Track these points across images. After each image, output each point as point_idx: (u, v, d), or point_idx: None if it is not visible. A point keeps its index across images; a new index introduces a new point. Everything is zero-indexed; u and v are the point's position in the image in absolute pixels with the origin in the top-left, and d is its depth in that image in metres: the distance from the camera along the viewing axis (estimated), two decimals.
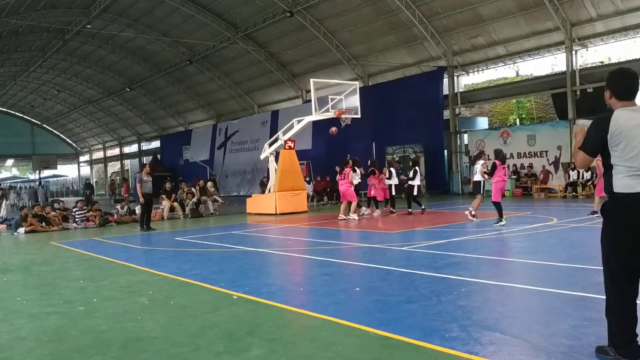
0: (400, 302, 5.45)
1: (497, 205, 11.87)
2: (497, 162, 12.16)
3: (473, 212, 12.90)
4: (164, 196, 19.56)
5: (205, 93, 42.53)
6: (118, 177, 55.96)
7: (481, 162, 13.13)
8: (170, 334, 4.76)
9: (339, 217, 15.44)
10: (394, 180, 16.24)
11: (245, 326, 4.88)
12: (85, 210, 17.50)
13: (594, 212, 12.41)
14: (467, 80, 29.01)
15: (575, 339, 4.08)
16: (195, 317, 5.27)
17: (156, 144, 51.70)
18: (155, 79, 42.03)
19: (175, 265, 8.64)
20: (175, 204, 19.53)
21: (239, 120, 39.62)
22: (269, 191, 19.79)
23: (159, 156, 47.35)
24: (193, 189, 20.16)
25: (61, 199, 30.08)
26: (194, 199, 19.64)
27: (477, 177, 13.00)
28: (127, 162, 59.93)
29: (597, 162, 12.35)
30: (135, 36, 34.38)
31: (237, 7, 30.49)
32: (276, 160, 19.80)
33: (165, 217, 18.97)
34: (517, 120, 30.43)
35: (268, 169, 21.42)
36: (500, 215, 11.82)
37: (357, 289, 6.26)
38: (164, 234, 14.31)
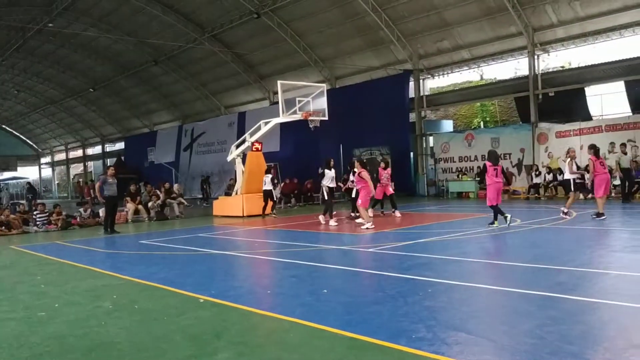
0: (367, 304, 5.48)
1: (494, 209, 11.77)
2: (488, 162, 11.93)
3: (565, 210, 12.99)
4: (128, 198, 19.23)
5: (171, 94, 41.99)
6: (81, 180, 54.82)
7: (568, 160, 13.36)
8: (136, 339, 4.68)
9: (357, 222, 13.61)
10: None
11: (212, 330, 4.84)
12: (47, 214, 17.07)
13: (600, 214, 12.24)
14: (432, 84, 29.37)
15: (539, 337, 4.16)
16: (161, 321, 5.19)
17: (120, 145, 50.80)
18: (119, 80, 41.29)
19: (140, 268, 8.50)
20: (140, 206, 19.22)
21: (205, 122, 39.24)
22: (236, 193, 19.67)
23: (123, 158, 46.63)
24: (158, 191, 19.88)
25: (21, 201, 29.27)
26: (159, 201, 19.38)
27: (567, 176, 13.42)
28: (90, 164, 58.74)
29: (591, 162, 12.74)
30: (99, 36, 33.72)
31: (204, 7, 30.22)
32: (243, 162, 19.69)
33: (130, 220, 18.65)
34: (481, 123, 30.94)
35: (235, 171, 21.27)
36: (495, 218, 11.79)
37: (325, 290, 6.27)
38: (128, 237, 14.07)
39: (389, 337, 4.30)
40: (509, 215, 11.56)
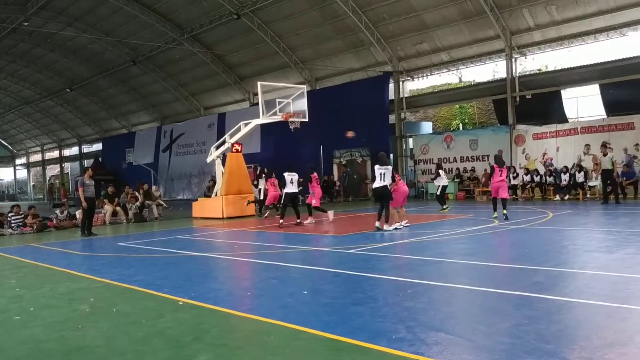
0: (347, 305, 5.49)
1: (493, 201, 13.67)
2: (495, 165, 13.48)
3: None
4: (106, 200, 19.01)
5: (150, 94, 41.64)
6: (57, 181, 54.04)
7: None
8: (114, 342, 4.62)
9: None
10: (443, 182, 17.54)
11: (191, 332, 4.80)
12: (22, 216, 16.78)
13: None
14: (412, 86, 29.56)
15: (516, 337, 4.21)
16: (140, 324, 5.14)
17: (98, 146, 50.24)
18: (97, 80, 40.82)
19: (118, 271, 8.41)
20: (118, 208, 19.01)
21: (184, 123, 39.00)
22: (216, 195, 19.57)
23: (100, 159, 46.13)
24: (136, 193, 19.69)
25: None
26: (138, 203, 19.19)
27: None
28: (67, 165, 57.92)
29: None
30: (76, 35, 33.31)
31: (183, 8, 30.04)
32: (223, 163, 19.60)
33: (108, 222, 18.43)
34: (460, 125, 31.24)
35: (215, 172, 21.18)
36: (498, 208, 13.43)
37: (305, 292, 6.26)
38: (106, 239, 13.91)
39: (369, 338, 4.31)
40: (501, 214, 13.26)
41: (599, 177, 18.36)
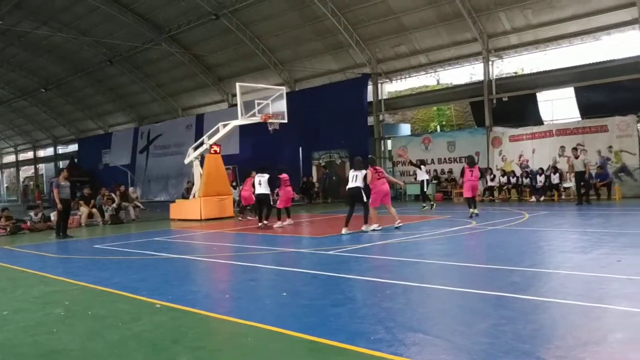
0: (326, 306, 5.49)
1: (467, 200, 14.77)
2: (466, 166, 14.76)
3: None
4: (81, 202, 18.74)
5: (127, 95, 41.17)
6: (32, 183, 53.13)
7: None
8: (89, 346, 4.55)
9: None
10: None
11: (169, 335, 4.75)
12: None
13: None
14: (390, 88, 29.71)
15: (494, 337, 4.25)
16: (116, 328, 5.07)
17: (73, 147, 49.47)
18: (73, 80, 40.19)
19: (94, 274, 8.30)
20: (94, 210, 18.76)
21: (162, 124, 38.66)
22: (194, 196, 19.43)
23: (76, 160, 45.48)
24: (113, 195, 19.45)
25: None
26: (114, 205, 18.96)
27: None
28: (41, 166, 56.96)
29: None
30: (52, 34, 32.79)
31: (161, 8, 29.79)
32: (201, 164, 19.47)
33: (83, 224, 18.19)
34: (438, 127, 31.48)
35: (193, 174, 21.00)
36: (469, 207, 14.50)
37: (284, 294, 6.25)
38: (81, 242, 13.71)
39: (347, 339, 4.32)
40: (473, 210, 14.25)
41: (573, 179, 18.70)
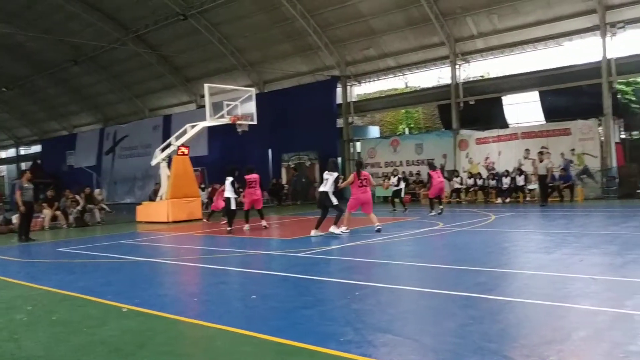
0: (296, 308, 5.48)
1: (431, 201, 16.03)
2: (430, 171, 16.17)
3: None
4: (45, 204, 18.31)
5: (92, 95, 40.43)
6: None
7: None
8: (53, 352, 4.45)
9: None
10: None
11: (136, 340, 4.68)
12: None
13: None
14: (359, 90, 29.90)
15: (461, 337, 4.31)
16: (81, 333, 4.97)
17: (36, 148, 48.40)
18: (36, 80, 39.30)
19: (58, 277, 8.12)
20: (58, 212, 18.34)
21: (128, 125, 38.10)
22: (161, 198, 19.17)
23: (39, 161, 44.45)
24: (77, 197, 19.05)
25: None
26: (79, 207, 18.57)
27: None
28: (2, 167, 55.48)
29: None
30: (13, 33, 31.93)
31: (127, 7, 29.34)
32: (169, 166, 19.23)
33: (47, 227, 17.76)
34: (406, 130, 31.79)
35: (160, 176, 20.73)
36: (432, 208, 15.83)
37: (253, 296, 6.22)
38: (45, 245, 13.39)
39: (317, 341, 4.32)
40: (434, 212, 15.41)
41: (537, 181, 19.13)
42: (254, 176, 14.14)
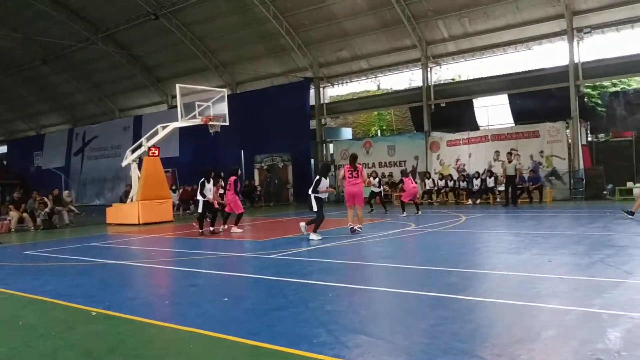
0: (269, 310, 5.45)
1: (403, 204, 16.59)
2: (403, 178, 17.05)
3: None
4: (11, 206, 17.88)
5: (61, 95, 39.68)
6: None
7: None
8: (20, 358, 4.34)
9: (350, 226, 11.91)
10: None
11: (105, 344, 4.59)
12: None
13: (631, 213, 12.48)
14: (332, 92, 30.00)
15: (433, 337, 4.34)
16: (49, 337, 4.86)
17: (2, 149, 47.28)
18: (2, 79, 38.39)
19: (25, 281, 7.93)
20: (25, 214, 17.93)
21: (98, 125, 37.50)
22: (132, 200, 18.91)
23: (5, 162, 43.48)
24: (45, 198, 18.66)
25: None
26: (47, 209, 18.19)
27: None
28: None
29: None
30: None
31: (97, 6, 28.88)
32: (139, 167, 18.97)
33: (13, 229, 17.35)
34: (379, 132, 31.99)
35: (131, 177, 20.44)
36: (403, 210, 16.33)
37: (226, 299, 6.17)
38: (11, 248, 13.08)
39: (290, 343, 4.30)
40: (405, 214, 15.95)
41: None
42: (232, 178, 13.91)
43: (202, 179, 13.55)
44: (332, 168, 27.20)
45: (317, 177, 11.51)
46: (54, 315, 5.77)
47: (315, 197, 11.37)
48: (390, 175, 24.80)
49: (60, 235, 15.87)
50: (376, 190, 18.33)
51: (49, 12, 29.53)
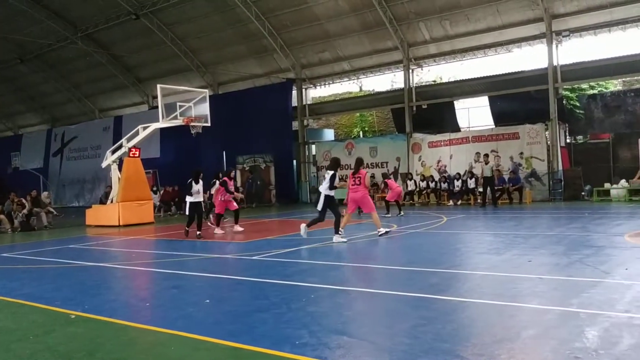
0: (251, 312, 5.43)
1: (387, 203, 17.01)
2: (386, 180, 17.86)
3: None
4: None
5: (39, 95, 39.13)
6: None
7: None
8: None
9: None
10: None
11: (85, 347, 4.53)
12: None
13: None
14: (314, 93, 30.02)
15: (415, 337, 4.36)
16: (26, 341, 4.78)
17: None
18: None
19: (1, 284, 7.80)
20: (3, 216, 17.64)
21: (77, 125, 37.04)
22: (112, 201, 18.71)
23: None
24: (23, 200, 18.39)
25: None
26: (25, 211, 17.92)
27: None
28: None
29: None
30: None
31: (76, 4, 28.56)
32: (120, 168, 18.78)
33: None
34: (361, 133, 32.08)
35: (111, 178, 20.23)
36: (388, 210, 16.63)
37: (207, 301, 6.13)
38: None
39: (273, 345, 4.29)
40: (390, 214, 16.20)
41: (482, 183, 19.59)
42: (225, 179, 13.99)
43: (190, 180, 13.32)
44: (316, 169, 27.25)
45: (332, 172, 10.94)
46: (32, 318, 5.68)
47: (327, 196, 10.84)
48: (372, 176, 24.83)
49: (39, 237, 15.64)
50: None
51: (26, 11, 29.10)
